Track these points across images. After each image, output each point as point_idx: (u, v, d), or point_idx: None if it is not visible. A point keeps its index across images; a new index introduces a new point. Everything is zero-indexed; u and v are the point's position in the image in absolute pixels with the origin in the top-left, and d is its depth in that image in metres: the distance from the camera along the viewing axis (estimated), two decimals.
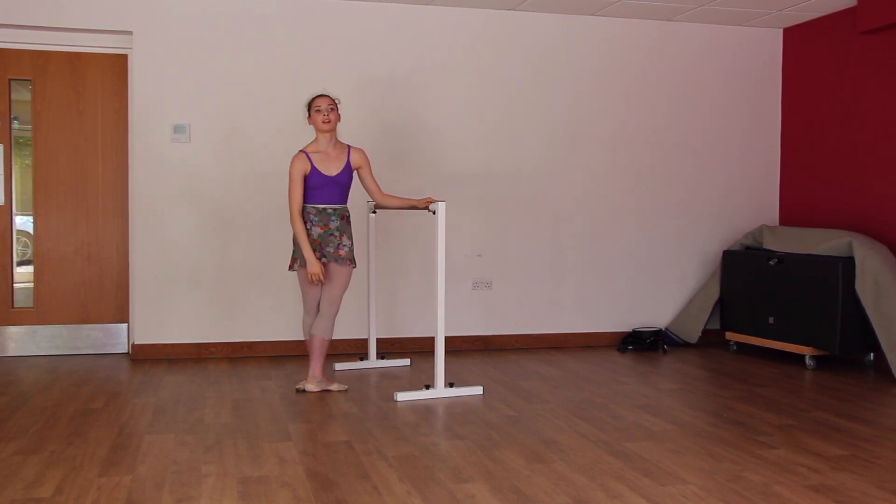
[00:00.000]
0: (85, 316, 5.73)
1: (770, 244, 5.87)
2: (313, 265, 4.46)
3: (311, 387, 4.65)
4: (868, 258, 5.21)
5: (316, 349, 4.63)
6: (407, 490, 3.08)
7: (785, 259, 5.64)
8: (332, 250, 4.52)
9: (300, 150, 4.56)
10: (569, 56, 6.15)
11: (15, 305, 5.67)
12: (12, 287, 5.65)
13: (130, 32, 5.55)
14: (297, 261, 4.59)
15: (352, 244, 4.58)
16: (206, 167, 5.64)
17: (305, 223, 4.52)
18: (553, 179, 6.16)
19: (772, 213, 6.61)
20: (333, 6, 5.76)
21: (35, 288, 5.66)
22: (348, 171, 4.59)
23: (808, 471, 3.33)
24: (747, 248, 6.12)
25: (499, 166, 6.06)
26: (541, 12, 6.06)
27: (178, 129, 5.57)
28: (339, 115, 4.58)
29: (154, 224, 5.58)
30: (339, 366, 5.31)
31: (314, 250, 4.50)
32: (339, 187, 4.56)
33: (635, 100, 6.29)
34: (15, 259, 5.65)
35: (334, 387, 4.70)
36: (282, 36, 5.71)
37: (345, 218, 4.58)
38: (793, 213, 6.47)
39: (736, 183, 6.52)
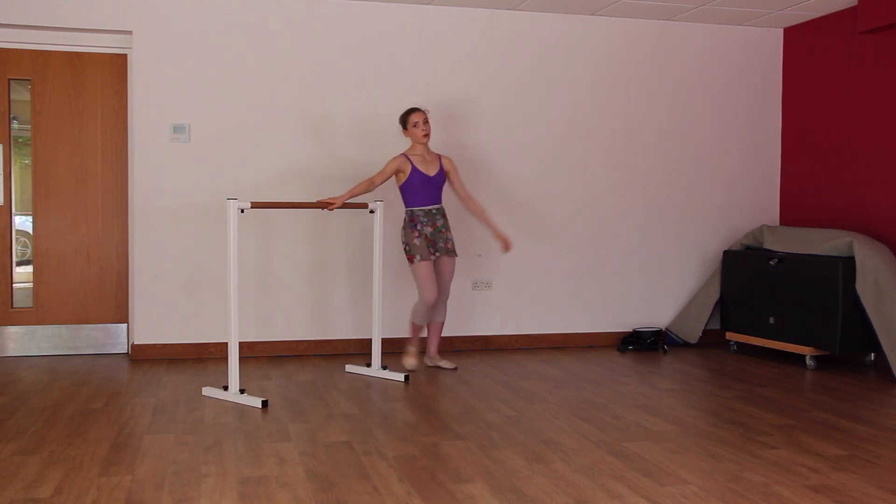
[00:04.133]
0: (85, 316, 5.73)
1: (770, 244, 5.87)
2: (336, 199, 4.91)
3: (447, 363, 5.35)
4: (868, 258, 5.21)
5: (440, 330, 5.33)
6: (407, 490, 3.08)
7: (785, 259, 5.64)
8: (442, 244, 5.11)
9: (401, 154, 5.10)
10: (569, 56, 6.15)
11: (14, 305, 5.67)
12: (12, 287, 5.65)
13: (130, 32, 5.55)
14: (415, 256, 5.02)
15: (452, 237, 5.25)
16: (206, 167, 5.64)
17: (416, 225, 5.04)
18: (553, 179, 6.16)
19: (772, 213, 6.61)
20: (332, 6, 5.76)
21: (35, 288, 5.66)
22: (442, 173, 5.12)
23: (808, 471, 3.33)
24: (748, 248, 6.12)
25: (498, 165, 6.06)
26: (541, 12, 6.06)
27: (178, 129, 5.57)
28: (430, 125, 5.24)
29: (154, 224, 5.58)
30: (349, 367, 5.31)
31: (427, 247, 5.03)
32: (436, 188, 5.09)
33: (636, 99, 6.29)
34: (14, 259, 5.65)
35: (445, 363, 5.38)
36: (281, 35, 5.71)
37: (445, 216, 5.16)
38: (793, 213, 6.47)
39: (736, 183, 6.52)
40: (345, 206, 4.95)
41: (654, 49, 6.30)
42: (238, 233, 5.65)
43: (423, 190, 5.05)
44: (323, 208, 4.92)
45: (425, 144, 5.09)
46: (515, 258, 6.12)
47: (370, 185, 4.99)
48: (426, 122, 5.05)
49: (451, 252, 5.14)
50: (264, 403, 4.33)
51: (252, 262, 5.71)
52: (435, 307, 5.21)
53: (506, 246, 5.18)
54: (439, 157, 5.15)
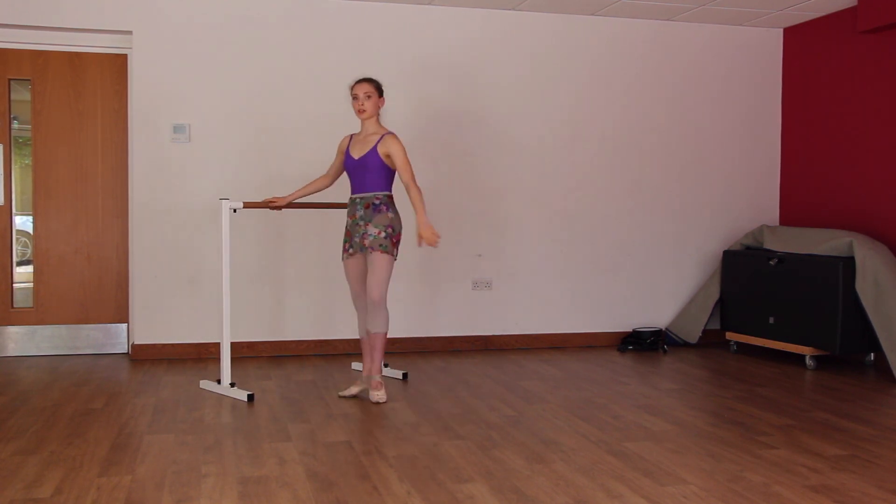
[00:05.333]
0: (85, 316, 5.73)
1: (770, 244, 5.87)
2: (280, 199, 4.71)
3: (378, 395, 4.40)
4: (868, 258, 5.21)
5: (371, 345, 4.43)
6: (407, 490, 3.08)
7: (785, 259, 5.64)
8: (357, 240, 4.46)
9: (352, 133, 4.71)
10: (569, 55, 6.15)
11: (15, 305, 5.67)
12: (12, 287, 5.65)
13: (130, 32, 5.55)
14: (345, 251, 4.55)
15: (380, 232, 4.35)
16: (206, 167, 5.64)
17: (347, 216, 4.58)
18: (553, 179, 6.16)
19: (772, 213, 6.61)
20: (333, 6, 5.76)
21: (35, 288, 5.66)
22: (373, 155, 4.40)
23: (808, 471, 3.33)
24: (747, 248, 6.12)
25: (498, 165, 6.06)
26: (541, 12, 6.06)
27: (178, 129, 5.57)
28: (377, 101, 4.45)
29: (154, 224, 5.58)
30: (355, 364, 5.35)
31: (344, 242, 4.54)
32: (364, 172, 4.41)
33: (635, 99, 6.29)
34: (15, 259, 5.65)
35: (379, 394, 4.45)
36: (281, 35, 5.71)
37: (370, 206, 4.39)
38: (793, 212, 6.47)
39: (736, 183, 6.52)
40: (339, 206, 4.89)
41: (653, 49, 6.30)
42: (232, 232, 5.67)
43: (351, 175, 4.48)
44: (266, 207, 4.67)
45: (367, 122, 4.49)
46: (515, 258, 6.12)
47: (323, 182, 4.69)
48: (367, 97, 4.41)
49: (367, 249, 4.39)
50: (250, 398, 4.46)
51: (253, 262, 5.71)
52: (365, 313, 4.61)
53: (419, 240, 4.31)
54: (383, 135, 4.43)
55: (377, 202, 4.41)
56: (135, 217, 5.58)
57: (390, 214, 4.42)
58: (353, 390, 4.56)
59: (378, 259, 4.35)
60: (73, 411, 4.20)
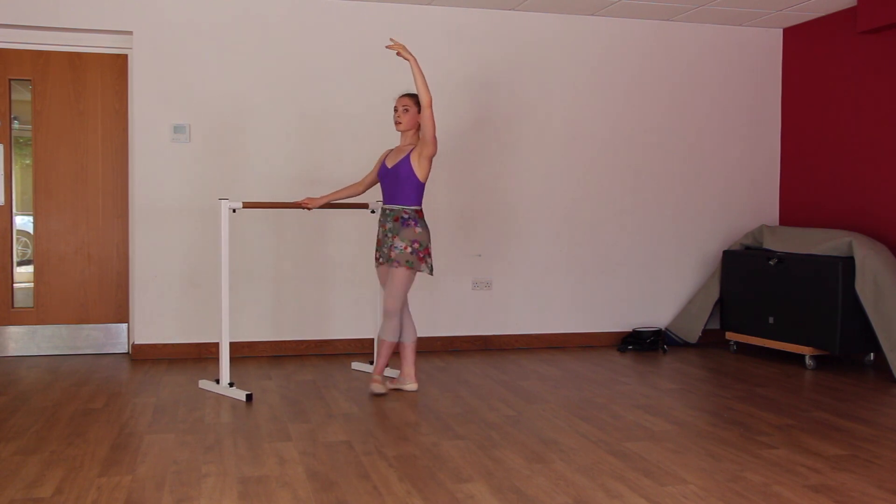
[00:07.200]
0: (85, 316, 5.73)
1: (770, 244, 5.87)
2: (314, 199, 4.78)
3: (377, 388, 4.62)
4: (868, 258, 5.21)
5: (380, 350, 4.61)
6: (407, 490, 3.08)
7: (785, 259, 5.64)
8: (385, 251, 4.57)
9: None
10: (568, 56, 6.15)
11: (15, 305, 5.67)
12: (12, 287, 5.65)
13: (130, 32, 5.55)
14: (376, 258, 4.70)
15: (406, 247, 4.47)
16: (206, 167, 5.64)
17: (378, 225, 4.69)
18: (553, 179, 6.16)
19: (772, 213, 6.61)
20: (333, 6, 5.76)
21: (35, 288, 5.66)
22: (405, 164, 4.50)
23: (808, 471, 3.33)
24: (747, 247, 6.12)
25: (498, 165, 6.06)
26: (541, 12, 6.06)
27: (178, 129, 5.57)
28: (415, 115, 4.56)
29: (154, 224, 5.58)
30: (355, 364, 5.36)
31: (375, 251, 4.69)
32: (395, 181, 4.51)
33: (635, 99, 6.29)
34: (15, 259, 5.65)
35: (406, 386, 4.75)
36: (281, 36, 5.71)
37: (399, 220, 4.50)
38: (793, 212, 6.48)
39: (736, 183, 6.52)
40: (339, 206, 4.92)
41: (653, 49, 6.30)
42: (232, 232, 5.67)
43: (383, 184, 4.60)
44: (300, 208, 4.74)
45: (404, 133, 4.62)
46: (515, 258, 6.12)
47: (356, 189, 4.77)
48: (405, 109, 4.55)
49: (393, 262, 4.49)
50: (248, 397, 4.47)
51: (253, 262, 5.72)
52: (387, 320, 4.59)
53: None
54: (415, 146, 4.55)
55: (405, 216, 4.51)
56: (135, 217, 5.58)
57: (418, 229, 4.51)
58: (381, 389, 4.65)
59: (398, 273, 4.51)
60: (73, 411, 4.21)
